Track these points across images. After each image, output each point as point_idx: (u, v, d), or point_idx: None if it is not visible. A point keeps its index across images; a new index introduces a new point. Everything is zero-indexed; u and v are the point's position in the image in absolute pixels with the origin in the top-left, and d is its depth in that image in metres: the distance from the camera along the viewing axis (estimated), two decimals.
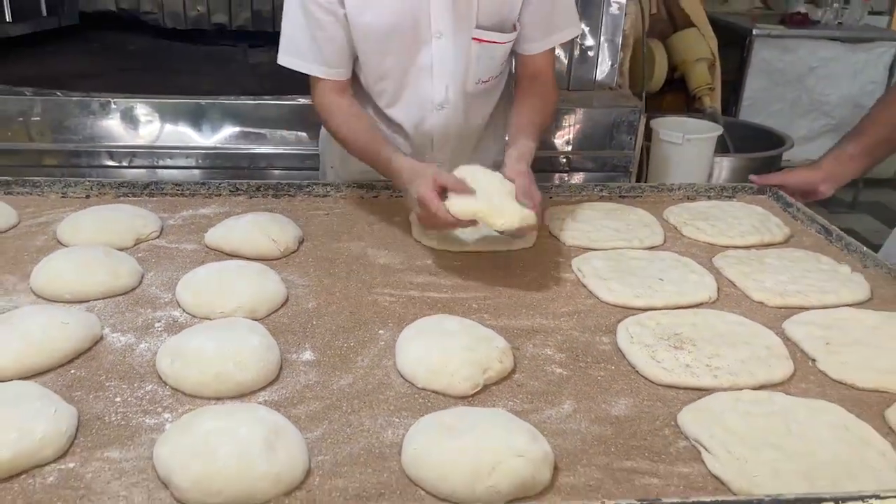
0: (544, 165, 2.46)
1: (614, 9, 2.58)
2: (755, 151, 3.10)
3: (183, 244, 1.44)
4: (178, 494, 0.83)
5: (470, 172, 1.40)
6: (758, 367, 1.10)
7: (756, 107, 4.39)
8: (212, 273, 1.27)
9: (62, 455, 0.89)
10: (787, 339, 1.20)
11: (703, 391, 1.06)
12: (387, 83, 1.61)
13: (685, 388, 1.07)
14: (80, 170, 2.39)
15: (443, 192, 1.34)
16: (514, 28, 1.60)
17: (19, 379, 1.00)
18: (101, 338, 1.12)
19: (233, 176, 2.23)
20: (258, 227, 1.42)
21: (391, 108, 1.64)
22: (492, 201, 1.32)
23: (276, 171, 2.42)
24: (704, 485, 0.89)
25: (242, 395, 1.01)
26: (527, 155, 1.47)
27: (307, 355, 1.11)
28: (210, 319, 1.17)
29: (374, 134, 1.55)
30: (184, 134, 2.42)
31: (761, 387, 1.07)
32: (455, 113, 1.65)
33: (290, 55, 1.57)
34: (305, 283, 1.32)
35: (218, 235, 1.43)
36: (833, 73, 4.38)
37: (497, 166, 1.86)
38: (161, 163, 2.42)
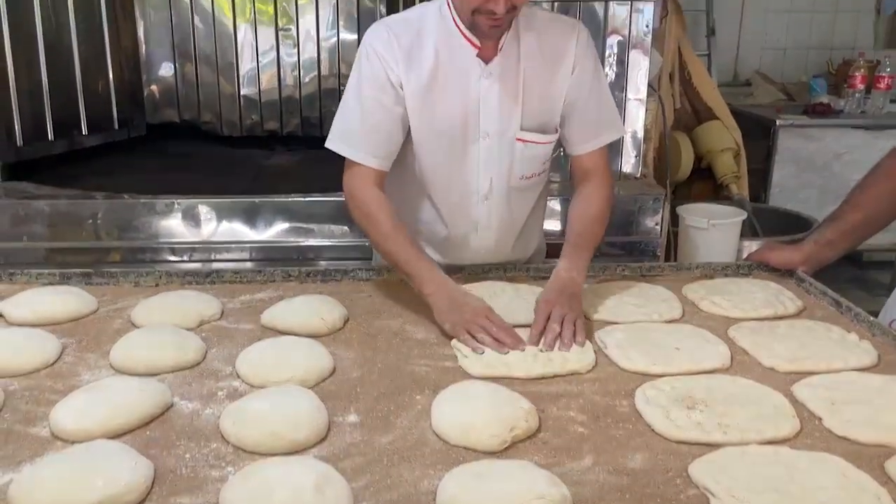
0: None
1: (635, 105, 2.77)
2: (784, 235, 3.19)
3: (241, 324, 1.59)
4: None
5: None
6: (765, 424, 1.19)
7: (785, 193, 4.49)
8: (267, 348, 1.42)
9: (142, 500, 1.02)
10: (795, 401, 1.28)
11: (713, 446, 1.15)
12: (437, 175, 1.77)
13: (697, 444, 1.16)
14: (145, 265, 2.59)
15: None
16: (556, 130, 1.76)
17: (104, 438, 1.14)
18: (172, 405, 1.27)
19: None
20: (308, 308, 1.58)
21: (440, 196, 1.80)
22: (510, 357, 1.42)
23: (324, 263, 2.61)
24: None
25: (295, 451, 1.14)
26: (564, 280, 1.61)
27: (352, 418, 1.24)
28: (266, 388, 1.31)
29: (411, 236, 1.70)
30: (238, 230, 2.63)
31: (768, 442, 1.15)
32: (499, 204, 1.80)
33: (340, 141, 1.70)
34: (350, 355, 1.46)
35: (272, 316, 1.58)
36: (859, 160, 4.46)
37: (539, 252, 2.01)
38: (218, 257, 2.63)
